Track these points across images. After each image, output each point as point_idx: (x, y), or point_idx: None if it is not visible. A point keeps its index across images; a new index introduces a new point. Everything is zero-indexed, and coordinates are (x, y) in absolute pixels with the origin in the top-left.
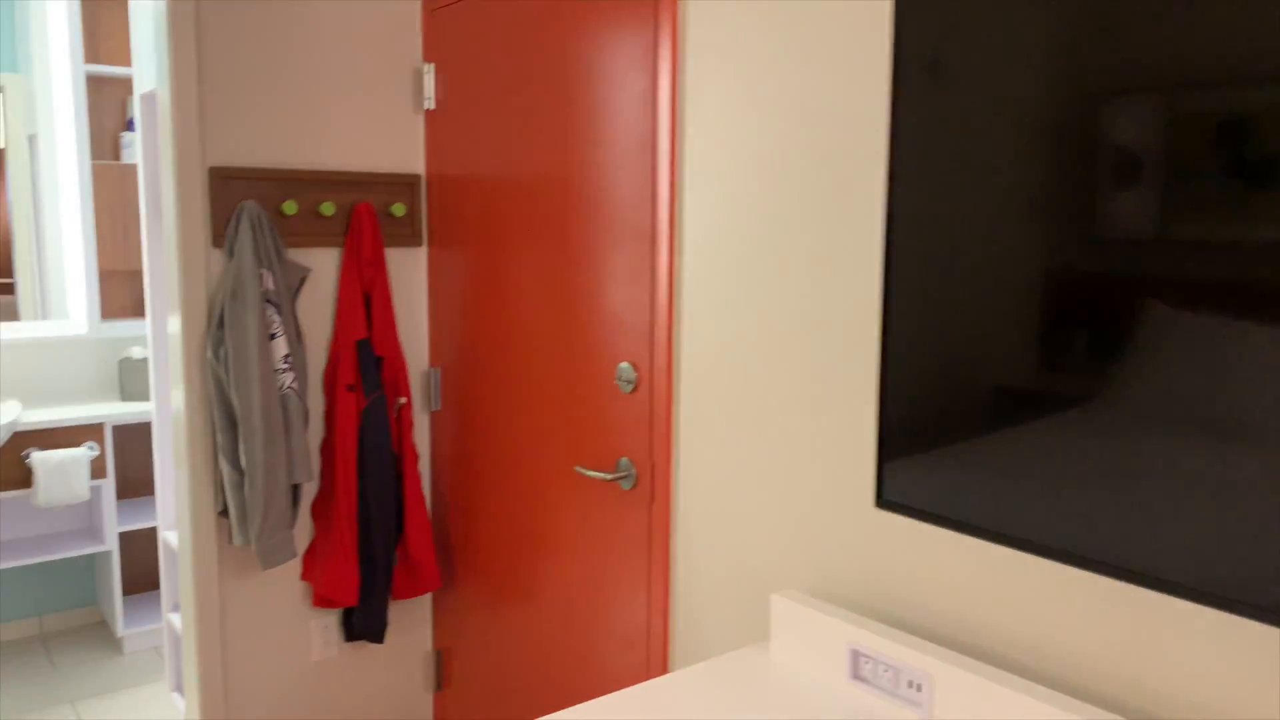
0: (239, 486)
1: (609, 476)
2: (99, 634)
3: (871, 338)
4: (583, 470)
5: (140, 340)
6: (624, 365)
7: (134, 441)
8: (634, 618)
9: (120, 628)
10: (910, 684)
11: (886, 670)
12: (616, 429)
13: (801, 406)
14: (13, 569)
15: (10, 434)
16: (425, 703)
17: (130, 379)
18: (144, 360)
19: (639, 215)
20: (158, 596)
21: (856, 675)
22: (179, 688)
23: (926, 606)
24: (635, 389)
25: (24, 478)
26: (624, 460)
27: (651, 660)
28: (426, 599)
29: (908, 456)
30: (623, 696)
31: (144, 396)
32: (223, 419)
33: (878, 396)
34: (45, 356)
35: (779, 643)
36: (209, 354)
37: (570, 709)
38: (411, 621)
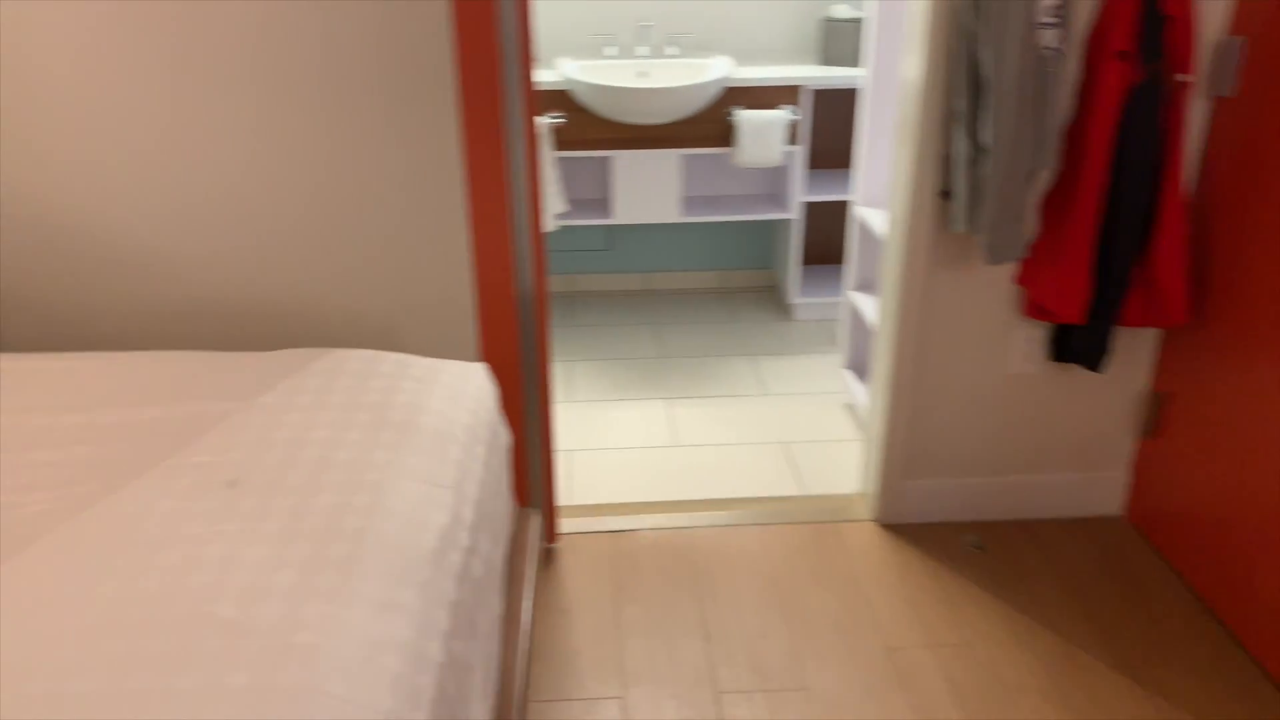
0: (973, 164)
1: None
2: (770, 297)
3: None
4: None
5: None
6: None
7: (829, 109)
8: None
9: (793, 295)
10: None
11: None
12: None
13: None
14: (702, 224)
15: (721, 89)
16: (1124, 446)
17: (832, 40)
18: (847, 21)
19: None
20: (829, 270)
21: None
22: (851, 365)
23: None
24: None
25: (723, 135)
26: None
27: None
28: (1152, 331)
29: None
30: None
31: (844, 61)
32: (965, 81)
33: None
34: (746, 12)
35: None
36: None
37: None
38: (1129, 353)
